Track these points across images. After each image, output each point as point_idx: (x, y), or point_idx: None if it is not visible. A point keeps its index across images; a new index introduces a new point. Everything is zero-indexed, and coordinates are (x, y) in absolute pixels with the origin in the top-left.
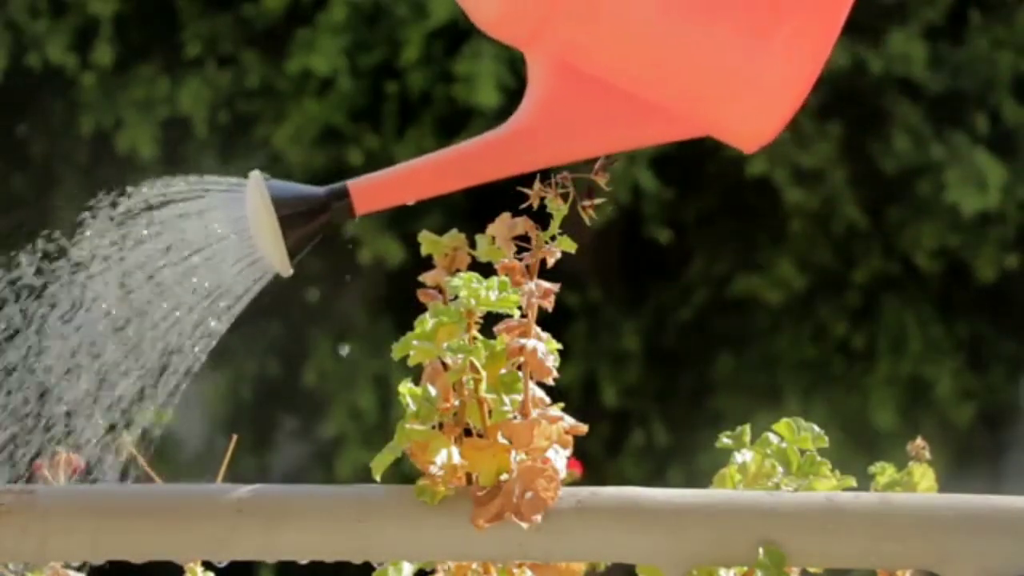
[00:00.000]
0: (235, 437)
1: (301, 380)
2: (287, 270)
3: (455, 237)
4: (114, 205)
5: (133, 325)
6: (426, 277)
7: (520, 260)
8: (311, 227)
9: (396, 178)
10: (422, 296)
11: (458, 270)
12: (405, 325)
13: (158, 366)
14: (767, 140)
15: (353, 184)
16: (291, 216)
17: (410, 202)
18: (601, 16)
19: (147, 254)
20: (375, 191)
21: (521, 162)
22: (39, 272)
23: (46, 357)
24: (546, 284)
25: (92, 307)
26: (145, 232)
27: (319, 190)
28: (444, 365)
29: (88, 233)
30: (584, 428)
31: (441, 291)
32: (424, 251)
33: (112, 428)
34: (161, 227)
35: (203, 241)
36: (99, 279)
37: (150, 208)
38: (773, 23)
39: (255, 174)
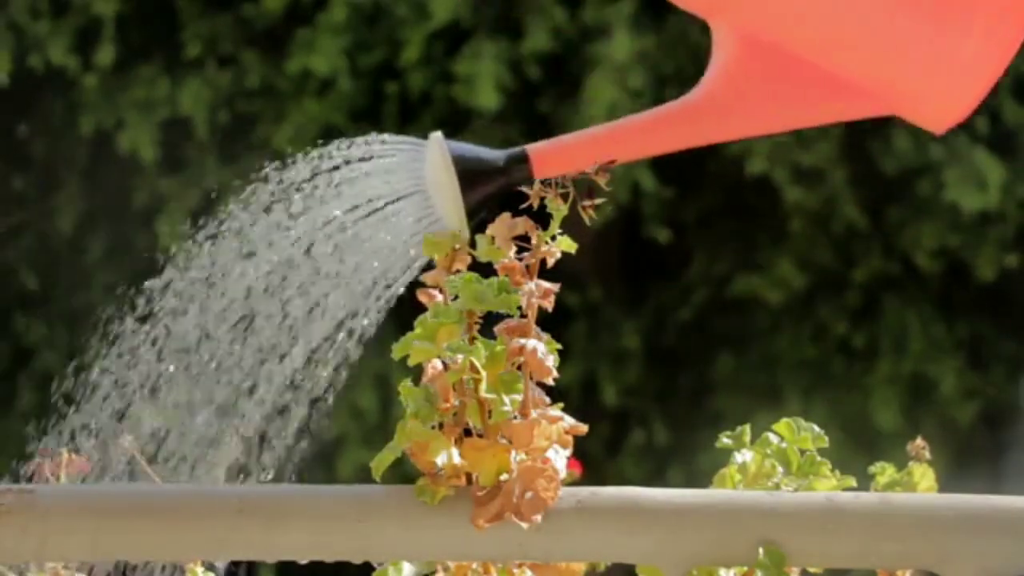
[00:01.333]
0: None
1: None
2: (464, 230)
3: (455, 237)
4: (297, 163)
5: (314, 284)
6: (426, 277)
7: (520, 260)
8: (489, 188)
9: (575, 143)
10: (421, 296)
11: (458, 270)
12: (406, 325)
13: (336, 324)
14: (956, 121)
15: (532, 148)
16: (470, 177)
17: (589, 168)
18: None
19: (328, 213)
20: (554, 155)
21: (700, 132)
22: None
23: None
24: (546, 284)
25: (276, 262)
26: (327, 190)
27: (499, 153)
28: (444, 365)
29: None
30: (584, 428)
31: (441, 291)
32: (424, 252)
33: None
34: (341, 186)
35: (382, 200)
36: (284, 236)
37: (334, 168)
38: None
39: (436, 135)
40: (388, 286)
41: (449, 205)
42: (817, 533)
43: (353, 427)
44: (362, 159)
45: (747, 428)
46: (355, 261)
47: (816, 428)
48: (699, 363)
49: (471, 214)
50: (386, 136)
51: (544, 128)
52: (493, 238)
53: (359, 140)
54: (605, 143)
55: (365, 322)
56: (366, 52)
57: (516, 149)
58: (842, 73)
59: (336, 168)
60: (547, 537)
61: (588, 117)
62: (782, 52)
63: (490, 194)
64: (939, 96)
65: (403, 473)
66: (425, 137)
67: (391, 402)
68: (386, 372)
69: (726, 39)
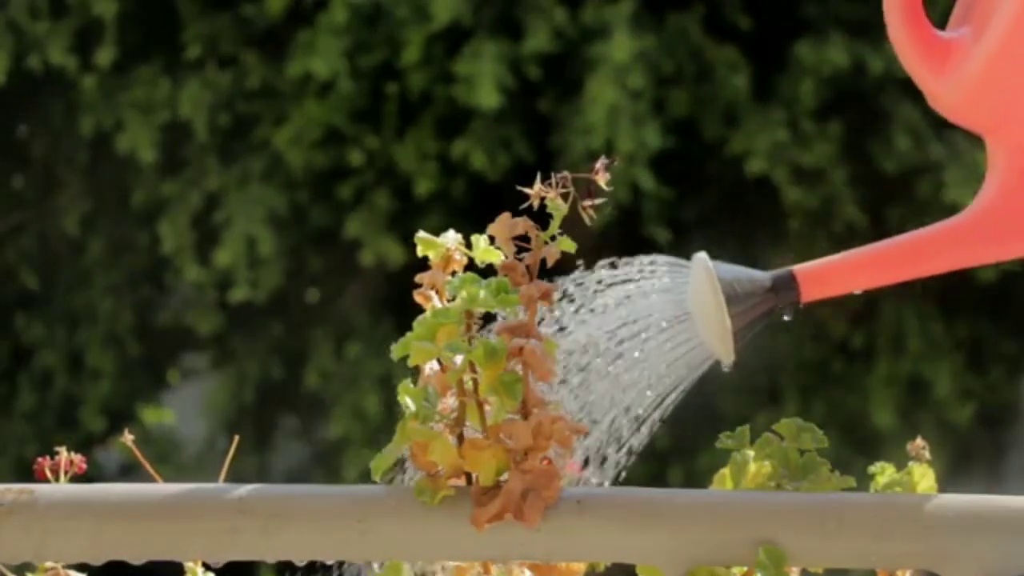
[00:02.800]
0: (236, 438)
1: (304, 381)
2: (730, 356)
3: (451, 238)
4: (577, 284)
5: (576, 402)
6: (422, 278)
7: (520, 260)
8: (757, 311)
9: (846, 265)
10: (418, 297)
11: (454, 271)
12: (407, 326)
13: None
14: None
15: (800, 270)
16: (737, 299)
17: (858, 291)
18: None
19: (592, 332)
20: (823, 278)
21: (977, 253)
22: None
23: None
24: (546, 284)
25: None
26: (594, 311)
27: (765, 275)
28: (441, 365)
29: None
30: (584, 428)
31: (438, 291)
32: (420, 252)
33: None
34: (607, 307)
35: (643, 323)
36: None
37: (603, 287)
38: None
39: (701, 255)
40: (655, 407)
41: (714, 328)
42: (817, 533)
43: (356, 429)
44: (628, 280)
45: (747, 428)
46: (623, 379)
47: (816, 428)
48: None
49: (737, 337)
50: (655, 257)
51: (544, 128)
52: (491, 238)
53: (630, 261)
54: (874, 266)
55: (632, 441)
56: (366, 53)
57: (783, 271)
58: None
59: (608, 286)
60: (547, 537)
61: (588, 118)
62: None
63: (757, 317)
64: None
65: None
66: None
67: (395, 403)
68: (389, 373)
69: (1005, 155)
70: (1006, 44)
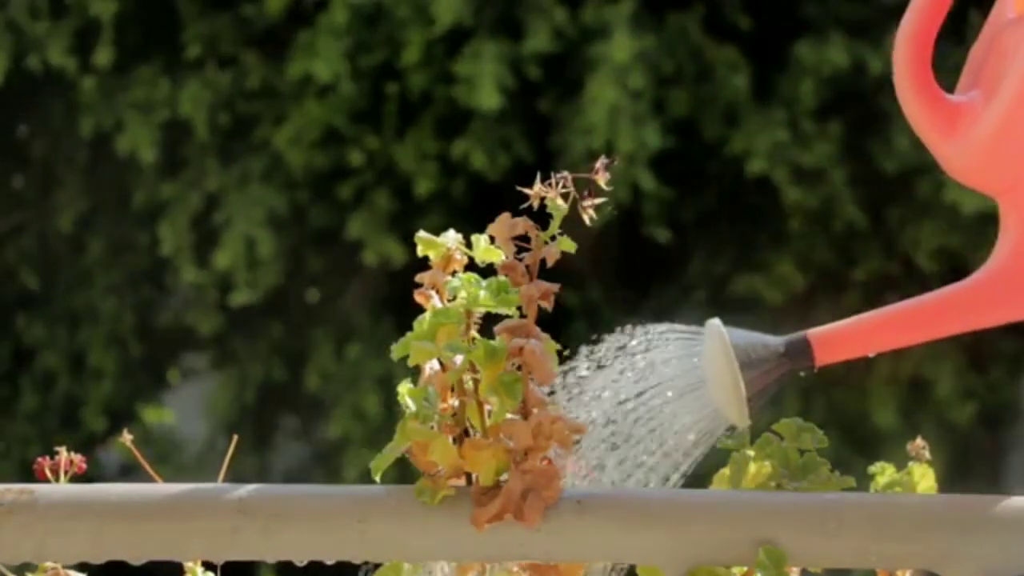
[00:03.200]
0: (235, 438)
1: (304, 382)
2: (744, 422)
3: (452, 238)
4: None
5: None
6: (422, 278)
7: (520, 260)
8: (771, 377)
9: (859, 329)
10: (418, 297)
11: (455, 271)
12: (408, 326)
13: None
14: None
15: (814, 335)
16: (751, 365)
17: (871, 354)
18: None
19: (607, 401)
20: (837, 342)
21: (992, 314)
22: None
23: None
24: (546, 284)
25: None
26: (615, 376)
27: (778, 341)
28: (441, 365)
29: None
30: (584, 428)
31: (438, 291)
32: (420, 252)
33: None
34: (622, 375)
35: (658, 390)
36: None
37: (622, 354)
38: None
39: (715, 322)
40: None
41: (728, 394)
42: (817, 533)
43: (357, 429)
44: (646, 349)
45: (746, 428)
46: (640, 443)
47: (816, 428)
48: None
49: (752, 403)
50: (671, 325)
51: (544, 128)
52: (491, 238)
53: (647, 330)
54: (889, 330)
55: None
56: (366, 53)
57: (796, 336)
58: None
59: (629, 354)
60: (547, 537)
61: (589, 118)
62: None
63: (771, 382)
64: None
65: (404, 473)
66: (418, 143)
67: (395, 404)
68: (389, 373)
69: (1017, 218)
70: (1016, 107)
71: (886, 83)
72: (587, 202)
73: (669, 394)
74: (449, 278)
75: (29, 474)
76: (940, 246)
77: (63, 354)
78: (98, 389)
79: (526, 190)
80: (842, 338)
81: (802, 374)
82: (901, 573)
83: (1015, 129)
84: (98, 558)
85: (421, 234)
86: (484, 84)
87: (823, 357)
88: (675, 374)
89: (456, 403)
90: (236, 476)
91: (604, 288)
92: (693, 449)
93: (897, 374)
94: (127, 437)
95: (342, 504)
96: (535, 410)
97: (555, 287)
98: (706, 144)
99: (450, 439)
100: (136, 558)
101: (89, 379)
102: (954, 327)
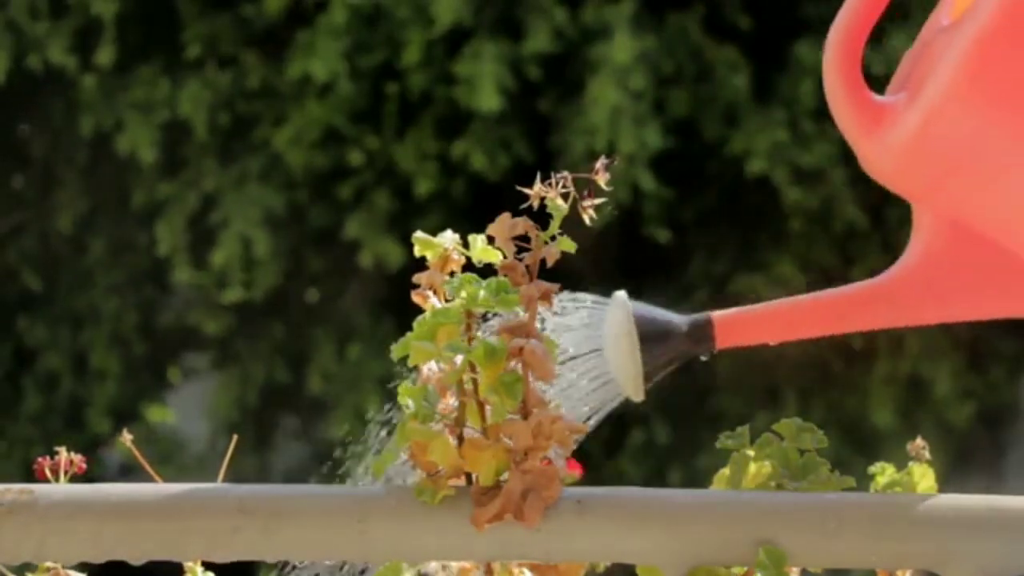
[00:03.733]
0: (235, 438)
1: (305, 383)
2: (639, 396)
3: (449, 238)
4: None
5: None
6: (419, 278)
7: (520, 260)
8: (670, 354)
9: (762, 315)
10: (416, 297)
11: (452, 271)
12: (408, 327)
13: None
14: None
15: (718, 317)
16: (652, 340)
17: (773, 342)
18: (1010, 181)
19: None
20: (739, 326)
21: (895, 315)
22: None
23: None
24: (546, 284)
25: None
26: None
27: (682, 319)
28: (444, 366)
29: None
30: (584, 428)
31: (435, 292)
32: (418, 252)
33: None
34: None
35: (561, 356)
36: None
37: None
38: None
39: (620, 294)
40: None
41: (626, 366)
42: (817, 533)
43: (357, 430)
44: (553, 314)
45: (747, 428)
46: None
47: (816, 428)
48: (699, 363)
49: (648, 378)
50: (578, 295)
51: (544, 129)
52: (490, 238)
53: (559, 297)
54: (792, 318)
55: None
56: (366, 53)
57: (700, 316)
58: None
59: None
60: (547, 537)
61: (591, 119)
62: (990, 242)
63: (670, 360)
64: None
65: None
66: (418, 144)
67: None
68: (390, 374)
69: (930, 225)
70: (937, 112)
71: (886, 83)
72: (587, 202)
73: (569, 362)
74: (447, 278)
75: (32, 476)
76: None
77: (66, 355)
78: (102, 390)
79: (526, 190)
80: (746, 323)
81: (704, 358)
82: (901, 573)
83: (933, 134)
84: (98, 558)
85: (418, 234)
86: (484, 84)
87: (725, 340)
88: (577, 341)
89: (456, 403)
90: (236, 476)
91: (604, 288)
92: (586, 418)
93: (896, 374)
94: (127, 437)
95: (342, 504)
96: (535, 410)
97: (555, 287)
98: (706, 144)
99: (450, 439)
100: (136, 558)
101: (93, 380)
102: (856, 325)
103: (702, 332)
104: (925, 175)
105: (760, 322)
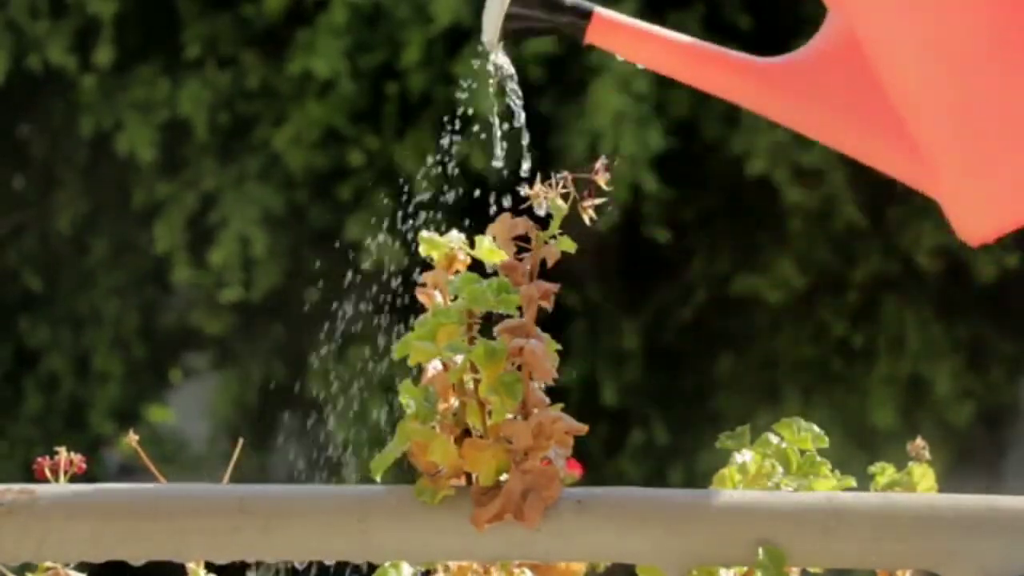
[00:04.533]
0: (240, 440)
1: (305, 383)
2: (492, 44)
3: (455, 238)
4: None
5: None
6: (425, 277)
7: (520, 260)
8: (539, 16)
9: (640, 33)
10: (421, 296)
11: (457, 271)
12: (409, 327)
13: None
14: (988, 239)
15: (601, 12)
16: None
17: (641, 64)
18: (922, 8)
19: None
20: (615, 30)
21: (755, 91)
22: None
23: None
24: (546, 284)
25: None
26: None
27: None
28: (444, 365)
29: None
30: (584, 428)
31: (440, 291)
32: (423, 252)
33: None
34: None
35: None
36: None
37: None
38: None
39: None
40: None
41: (492, 14)
42: (817, 533)
43: (357, 430)
44: None
45: (747, 428)
46: None
47: (816, 428)
48: (699, 363)
49: (507, 32)
50: None
51: (545, 130)
52: (493, 238)
53: None
54: (665, 48)
55: None
56: (366, 53)
57: (587, 3)
58: (915, 134)
59: None
60: (547, 537)
61: (595, 122)
62: (873, 74)
63: (536, 24)
64: (983, 204)
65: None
66: (417, 143)
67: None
68: (390, 375)
69: (834, 30)
70: None
71: None
72: (587, 202)
73: None
74: (452, 277)
75: (33, 477)
76: (940, 246)
77: (68, 356)
78: (104, 392)
79: (527, 191)
80: (622, 30)
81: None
82: (901, 573)
83: None
84: (98, 558)
85: (423, 234)
86: (484, 85)
87: (595, 35)
88: None
89: (456, 403)
90: (236, 476)
91: (604, 288)
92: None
93: (896, 374)
94: (133, 437)
95: (342, 504)
96: (535, 410)
97: (555, 287)
98: (706, 144)
99: (450, 439)
100: (136, 558)
101: (95, 381)
102: (720, 85)
103: (580, 15)
104: None
105: (635, 36)
